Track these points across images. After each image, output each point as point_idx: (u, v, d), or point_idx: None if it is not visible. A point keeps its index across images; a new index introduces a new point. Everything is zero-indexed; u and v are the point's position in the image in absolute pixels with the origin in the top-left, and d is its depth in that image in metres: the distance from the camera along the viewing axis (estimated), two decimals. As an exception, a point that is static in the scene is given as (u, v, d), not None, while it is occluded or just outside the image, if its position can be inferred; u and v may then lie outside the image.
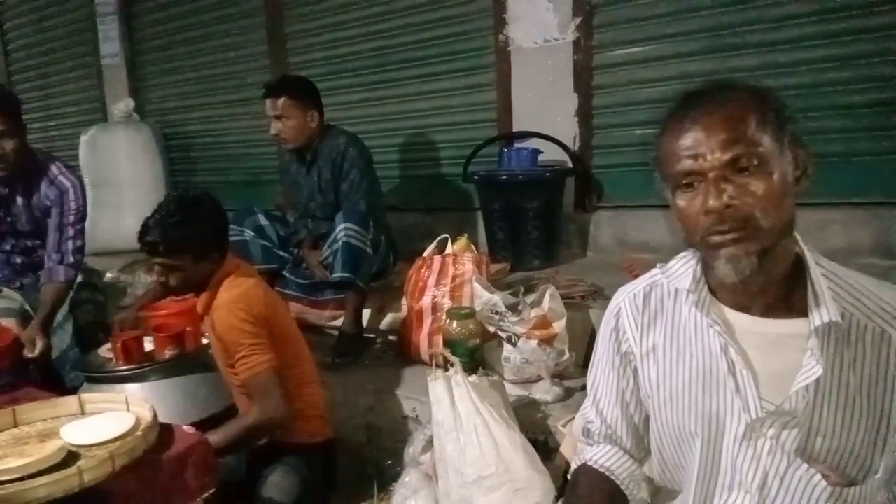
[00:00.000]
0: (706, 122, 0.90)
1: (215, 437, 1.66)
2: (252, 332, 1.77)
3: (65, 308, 2.45)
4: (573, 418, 1.83)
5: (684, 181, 0.92)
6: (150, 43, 4.86)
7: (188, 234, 1.79)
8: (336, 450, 2.01)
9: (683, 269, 1.05)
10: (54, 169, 2.47)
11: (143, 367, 2.00)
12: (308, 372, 1.96)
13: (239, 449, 1.81)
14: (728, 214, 0.88)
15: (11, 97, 2.42)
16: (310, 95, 2.73)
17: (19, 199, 2.45)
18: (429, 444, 1.88)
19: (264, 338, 1.80)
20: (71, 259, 2.44)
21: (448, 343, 2.21)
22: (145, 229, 1.80)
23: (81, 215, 2.49)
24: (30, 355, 2.17)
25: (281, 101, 2.66)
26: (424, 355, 2.42)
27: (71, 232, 2.45)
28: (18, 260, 2.55)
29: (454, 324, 2.25)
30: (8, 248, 2.52)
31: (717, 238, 0.90)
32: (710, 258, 0.93)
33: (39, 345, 2.20)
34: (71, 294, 2.49)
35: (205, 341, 2.10)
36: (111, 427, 1.36)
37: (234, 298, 1.80)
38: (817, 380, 0.90)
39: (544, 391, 2.11)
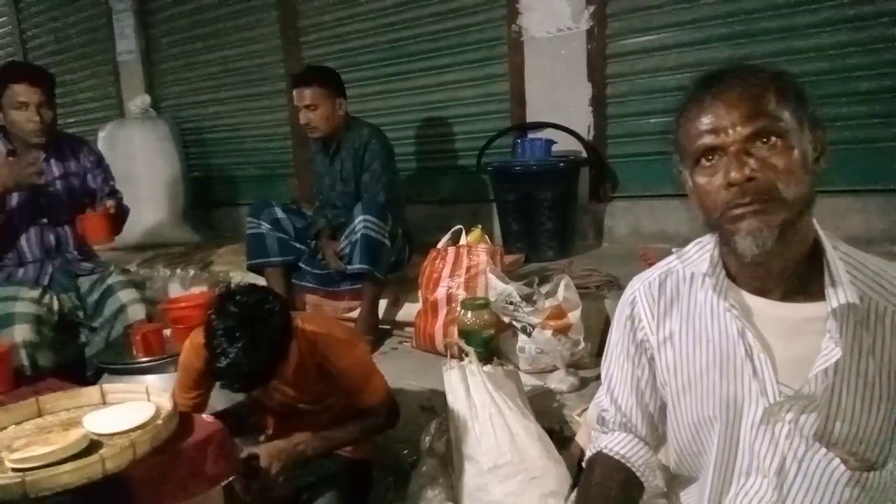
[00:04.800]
0: (727, 98, 0.90)
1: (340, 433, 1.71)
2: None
3: (116, 306, 2.48)
4: (588, 408, 1.83)
5: (705, 158, 0.92)
6: (165, 38, 4.89)
7: (268, 351, 1.45)
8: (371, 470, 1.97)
9: (700, 253, 1.05)
10: (83, 141, 2.75)
11: (163, 359, 2.03)
12: None
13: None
14: (750, 187, 0.88)
15: (50, 74, 2.56)
16: (337, 84, 2.78)
17: (55, 168, 2.56)
18: (444, 434, 1.89)
19: None
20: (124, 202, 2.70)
21: (463, 333, 2.22)
22: (222, 374, 1.44)
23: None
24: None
25: (310, 90, 2.72)
26: (439, 346, 2.43)
27: (120, 194, 2.71)
28: (52, 237, 2.56)
29: (469, 314, 2.25)
30: (45, 220, 2.56)
31: (738, 210, 0.89)
32: (730, 233, 0.92)
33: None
34: (122, 293, 2.52)
35: None
36: (132, 416, 1.38)
37: (343, 330, 1.76)
38: (836, 364, 0.89)
39: (559, 381, 2.11)
